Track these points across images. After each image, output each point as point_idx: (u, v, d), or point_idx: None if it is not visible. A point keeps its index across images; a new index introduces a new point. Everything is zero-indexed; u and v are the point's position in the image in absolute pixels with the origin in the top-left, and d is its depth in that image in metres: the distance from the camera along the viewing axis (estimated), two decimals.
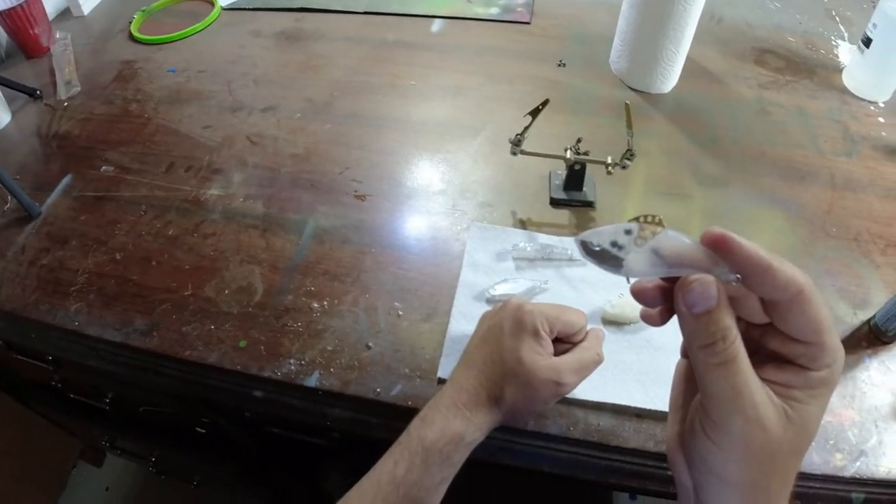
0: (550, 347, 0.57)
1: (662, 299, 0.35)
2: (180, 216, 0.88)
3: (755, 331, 0.35)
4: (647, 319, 0.37)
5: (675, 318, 0.35)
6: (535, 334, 0.55)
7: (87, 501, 1.76)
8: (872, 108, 1.09)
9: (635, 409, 0.67)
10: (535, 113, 0.76)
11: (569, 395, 0.67)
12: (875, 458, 0.66)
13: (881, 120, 1.07)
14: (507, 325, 0.57)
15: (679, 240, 0.32)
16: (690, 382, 0.38)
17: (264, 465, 1.18)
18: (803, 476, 0.65)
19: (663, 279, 0.34)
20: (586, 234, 0.33)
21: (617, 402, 0.67)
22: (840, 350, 0.33)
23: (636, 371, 0.69)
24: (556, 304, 0.59)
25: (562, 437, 0.66)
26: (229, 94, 1.08)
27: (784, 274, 0.31)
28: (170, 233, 0.85)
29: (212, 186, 0.91)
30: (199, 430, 0.98)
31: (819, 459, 0.66)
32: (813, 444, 0.65)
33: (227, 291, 0.78)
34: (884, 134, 1.04)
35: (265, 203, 0.88)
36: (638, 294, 0.36)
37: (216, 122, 1.03)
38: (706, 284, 0.32)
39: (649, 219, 0.32)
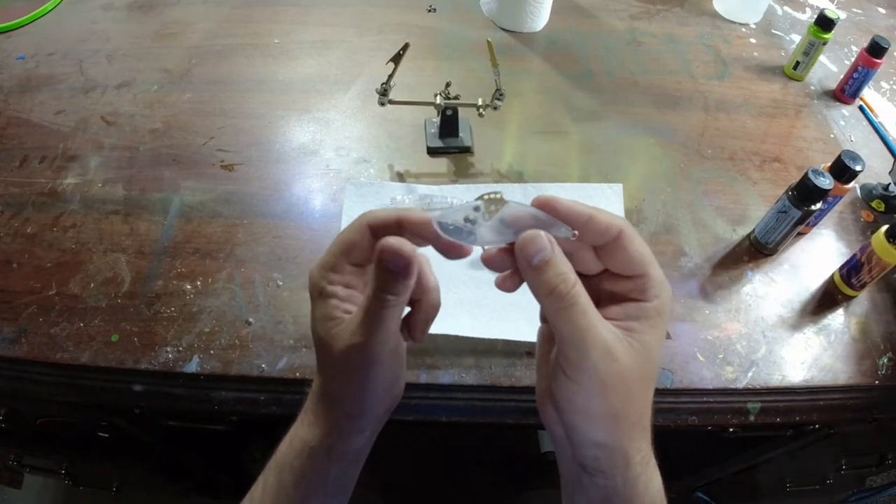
0: (351, 301, 0.42)
1: (510, 262, 0.37)
2: (38, 211, 0.80)
3: (594, 280, 0.38)
4: (502, 286, 0.39)
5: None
6: (322, 295, 0.41)
7: None
8: (744, 29, 1.12)
9: (526, 346, 0.66)
10: (396, 59, 0.73)
11: (458, 332, 0.66)
12: (766, 368, 0.68)
13: (752, 41, 1.10)
14: (311, 303, 0.43)
15: (520, 209, 0.36)
16: (548, 343, 0.40)
17: (179, 458, 1.13)
18: (696, 392, 0.67)
19: (509, 245, 0.37)
20: (440, 215, 0.36)
21: (508, 338, 0.66)
22: (665, 283, 0.37)
23: (523, 308, 0.69)
24: (336, 240, 0.42)
25: (455, 386, 0.65)
26: (81, 75, 0.99)
27: (603, 219, 0.35)
28: (28, 231, 0.78)
29: (68, 175, 0.84)
30: (101, 434, 0.93)
31: (710, 374, 0.67)
32: (703, 359, 0.67)
33: (92, 285, 0.72)
34: (755, 54, 1.07)
35: (125, 185, 0.81)
36: (488, 262, 0.37)
37: (69, 105, 0.94)
38: (537, 239, 0.34)
39: (493, 195, 0.36)
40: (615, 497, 0.36)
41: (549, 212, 0.35)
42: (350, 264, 0.42)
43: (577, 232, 0.35)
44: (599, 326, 0.34)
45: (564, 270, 0.34)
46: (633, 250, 0.35)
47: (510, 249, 0.36)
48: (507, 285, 0.38)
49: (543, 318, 0.42)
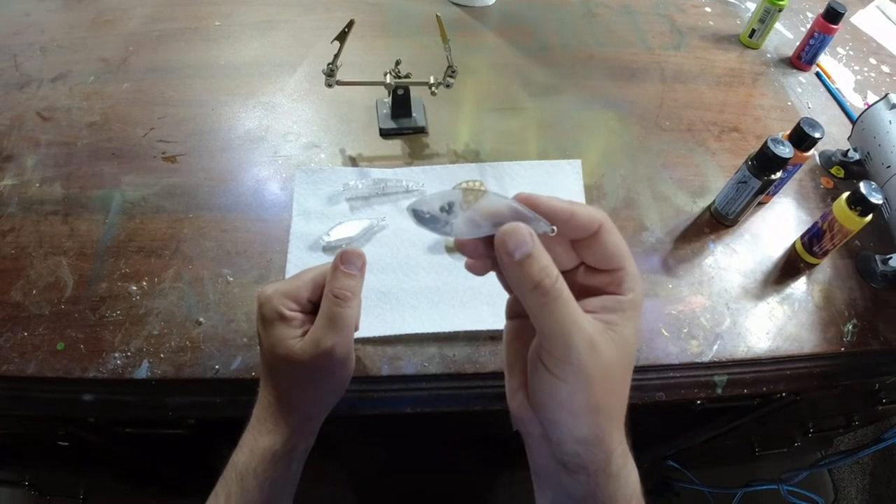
0: (307, 324, 0.51)
1: (483, 251, 0.37)
2: None
3: (568, 276, 0.38)
4: (472, 269, 0.39)
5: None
6: (281, 318, 0.49)
7: None
8: None
9: (488, 332, 0.65)
10: (342, 37, 0.69)
11: (420, 330, 0.64)
12: (731, 340, 0.68)
13: (707, 10, 1.09)
14: (259, 324, 0.51)
15: (499, 201, 0.35)
16: (518, 341, 0.40)
17: (143, 462, 1.10)
18: (662, 368, 0.66)
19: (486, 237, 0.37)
20: (416, 203, 0.36)
21: (469, 329, 0.65)
22: (639, 278, 0.37)
23: (486, 294, 0.67)
24: (295, 274, 0.53)
25: (419, 376, 0.63)
26: (15, 69, 0.93)
27: (585, 214, 0.35)
28: None
29: (4, 177, 0.79)
30: (61, 443, 0.89)
31: (676, 349, 0.67)
32: (668, 335, 0.67)
33: (34, 291, 0.68)
34: (711, 23, 1.06)
35: (64, 184, 0.77)
36: (461, 247, 0.37)
37: (3, 103, 0.88)
38: (518, 232, 0.34)
39: (472, 184, 0.38)
40: (598, 492, 0.35)
41: (531, 206, 0.35)
42: (308, 300, 0.51)
43: (555, 228, 0.35)
44: (582, 319, 0.34)
45: (547, 264, 0.34)
46: (612, 245, 0.36)
47: (485, 240, 0.36)
48: (477, 270, 0.39)
49: (511, 315, 0.42)
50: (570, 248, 0.38)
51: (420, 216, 0.36)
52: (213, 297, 0.67)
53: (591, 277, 0.38)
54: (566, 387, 0.34)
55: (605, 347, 0.34)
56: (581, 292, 0.37)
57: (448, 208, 0.35)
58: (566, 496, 0.37)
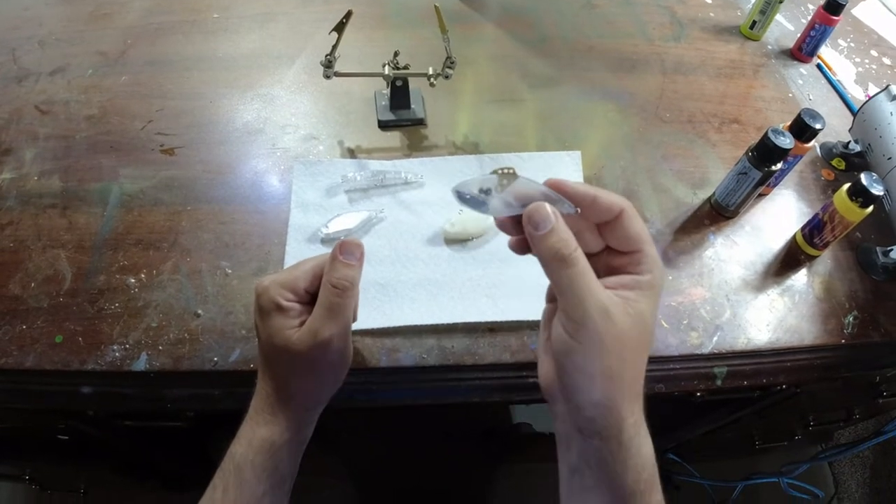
0: (304, 314, 0.51)
1: (520, 229, 0.41)
2: None
3: (594, 258, 0.43)
4: (515, 248, 0.44)
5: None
6: (279, 309, 0.49)
7: None
8: None
9: (487, 323, 0.65)
10: (339, 28, 0.69)
11: (418, 322, 0.64)
12: (731, 331, 0.67)
13: (708, 1, 1.08)
14: (256, 315, 0.51)
15: (530, 184, 0.40)
16: (553, 322, 0.43)
17: (143, 456, 1.11)
18: (662, 359, 0.66)
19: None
20: (459, 185, 0.41)
21: (468, 321, 0.64)
22: (658, 261, 0.41)
23: (485, 285, 0.67)
24: (293, 265, 0.52)
25: (418, 368, 0.63)
26: (14, 63, 0.93)
27: (607, 199, 0.40)
28: None
29: (3, 170, 0.79)
30: (61, 437, 0.89)
31: (675, 341, 0.66)
32: (668, 326, 0.66)
33: (33, 284, 0.68)
34: (712, 15, 1.05)
35: (62, 177, 0.77)
36: (501, 226, 0.43)
37: (1, 96, 0.89)
38: (541, 209, 0.39)
39: (506, 170, 0.41)
40: (609, 458, 0.38)
41: (558, 191, 0.40)
42: (305, 291, 0.50)
43: (579, 209, 0.40)
44: (598, 289, 0.38)
45: (566, 237, 0.38)
46: (632, 228, 0.40)
47: (520, 219, 0.41)
48: (518, 246, 0.44)
49: (550, 299, 0.45)
50: (597, 234, 0.42)
51: (462, 196, 0.41)
52: (212, 290, 0.67)
53: (614, 259, 0.42)
54: (582, 349, 0.37)
55: (619, 317, 0.37)
56: (605, 272, 0.42)
57: (486, 191, 0.41)
58: (582, 462, 0.40)
